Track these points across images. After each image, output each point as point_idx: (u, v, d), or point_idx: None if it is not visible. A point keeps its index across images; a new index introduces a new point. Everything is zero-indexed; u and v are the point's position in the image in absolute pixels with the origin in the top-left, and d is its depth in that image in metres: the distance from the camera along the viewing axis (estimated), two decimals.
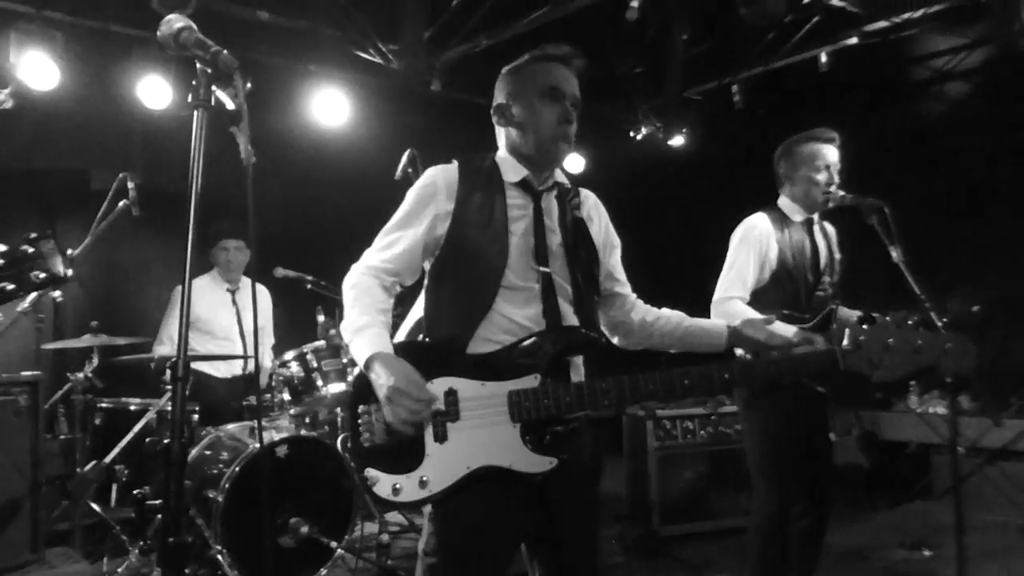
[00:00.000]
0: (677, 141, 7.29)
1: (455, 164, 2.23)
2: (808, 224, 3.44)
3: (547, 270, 2.13)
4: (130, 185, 3.98)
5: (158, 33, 1.38)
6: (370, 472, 1.99)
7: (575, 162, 7.64)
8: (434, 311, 2.20)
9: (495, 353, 2.06)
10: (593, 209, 2.37)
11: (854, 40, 6.34)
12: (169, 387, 3.96)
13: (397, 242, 2.16)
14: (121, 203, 4.14)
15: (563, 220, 2.21)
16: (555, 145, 2.19)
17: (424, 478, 1.96)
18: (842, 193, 3.34)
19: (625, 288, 2.46)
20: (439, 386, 2.00)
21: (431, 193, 2.18)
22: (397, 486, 1.96)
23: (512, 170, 2.23)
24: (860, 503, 5.71)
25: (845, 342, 2.09)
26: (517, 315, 2.10)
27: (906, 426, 6.01)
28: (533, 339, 2.06)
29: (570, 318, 2.15)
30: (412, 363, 1.99)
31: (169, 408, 3.61)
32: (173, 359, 1.11)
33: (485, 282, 2.10)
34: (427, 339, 2.17)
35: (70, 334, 4.73)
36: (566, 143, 2.21)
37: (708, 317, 3.42)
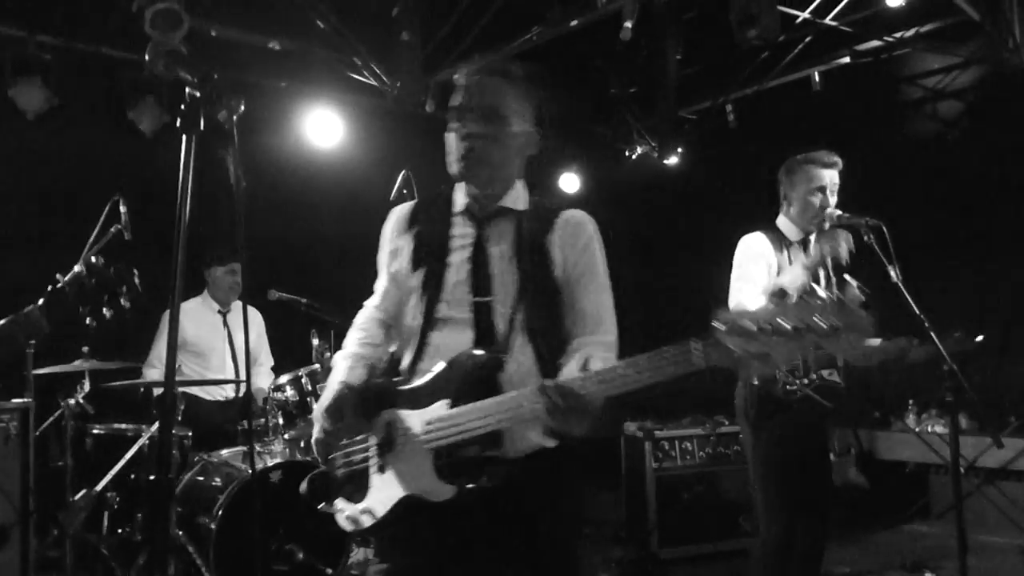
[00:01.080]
0: (672, 160, 7.29)
1: (415, 201, 2.31)
2: (805, 245, 3.44)
3: (484, 299, 2.06)
4: (122, 209, 3.95)
5: (146, 56, 1.36)
6: (337, 502, 2.09)
7: (570, 182, 7.64)
8: (397, 347, 2.23)
9: (424, 384, 2.05)
10: (568, 235, 2.15)
11: (846, 59, 6.37)
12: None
13: (379, 284, 2.29)
14: (113, 227, 4.11)
15: (519, 245, 2.11)
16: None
17: (368, 508, 2.04)
18: (839, 212, 3.34)
19: (580, 328, 2.13)
20: (382, 418, 2.05)
21: (386, 233, 2.26)
22: (351, 515, 2.06)
23: (460, 198, 2.19)
24: (858, 524, 5.67)
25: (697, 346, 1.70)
26: (451, 346, 2.05)
27: (904, 445, 5.98)
28: (444, 367, 2.02)
29: (519, 346, 2.04)
30: (369, 397, 2.07)
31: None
32: (160, 392, 1.08)
33: (421, 316, 2.10)
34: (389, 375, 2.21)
35: (61, 359, 4.67)
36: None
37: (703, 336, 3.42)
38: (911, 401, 6.10)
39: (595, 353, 1.97)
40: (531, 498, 2.00)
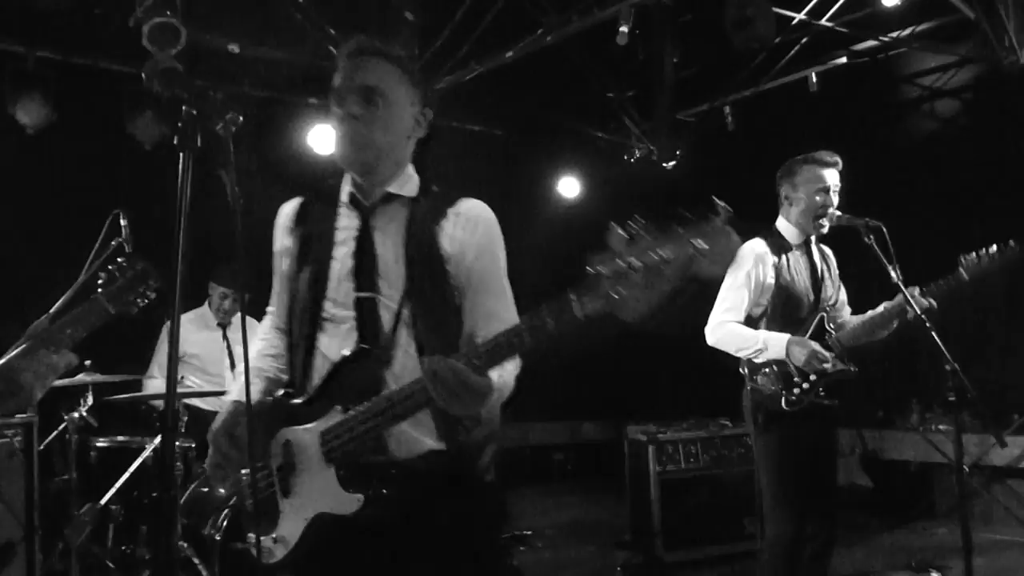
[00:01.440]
0: (671, 163, 7.30)
1: (304, 196, 2.12)
2: (806, 246, 3.43)
3: (368, 295, 1.91)
4: (123, 222, 3.95)
5: (143, 73, 1.37)
6: (250, 536, 1.94)
7: (570, 186, 7.65)
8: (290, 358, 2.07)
9: (315, 393, 1.90)
10: (464, 227, 1.96)
11: (843, 60, 6.38)
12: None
13: (273, 288, 2.14)
14: (114, 240, 4.12)
15: (408, 235, 1.94)
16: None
17: (281, 537, 1.90)
18: (839, 213, 3.34)
19: (483, 330, 1.91)
20: (279, 439, 1.92)
21: (275, 233, 2.11)
22: (265, 548, 1.91)
23: (346, 188, 2.04)
24: (862, 524, 5.66)
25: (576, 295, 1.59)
26: (338, 348, 1.90)
27: (908, 445, 5.98)
28: (331, 371, 1.89)
29: (404, 343, 1.89)
30: (265, 415, 1.94)
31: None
32: (161, 409, 1.09)
33: (307, 318, 1.96)
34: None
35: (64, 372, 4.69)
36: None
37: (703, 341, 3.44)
38: (914, 400, 6.10)
39: None
40: (429, 505, 1.86)
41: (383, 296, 1.90)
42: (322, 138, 5.94)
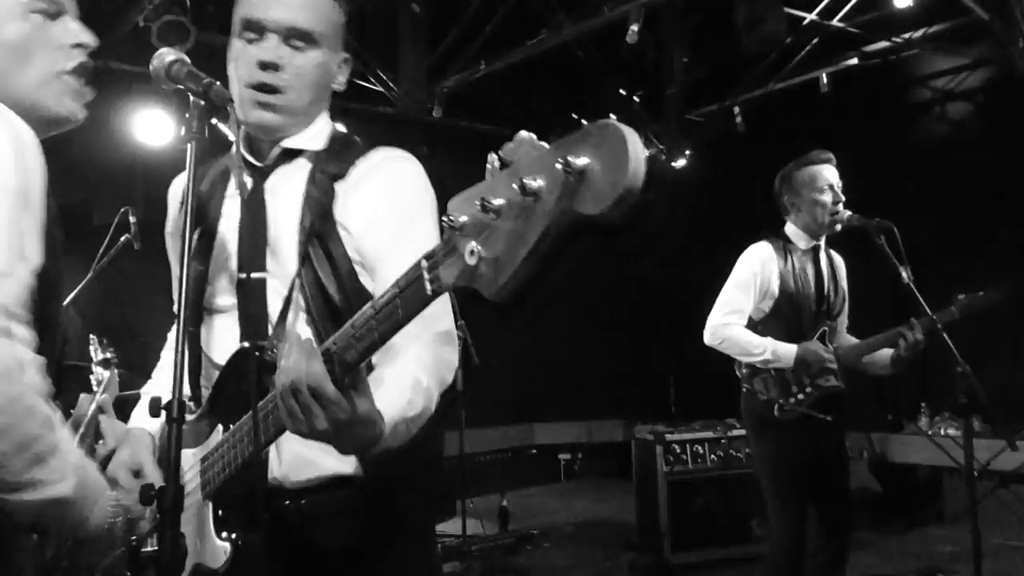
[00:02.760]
0: (680, 163, 7.29)
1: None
2: (814, 251, 3.41)
3: (253, 276, 1.51)
4: (131, 219, 3.97)
5: (150, 67, 1.36)
6: None
7: None
8: None
9: (202, 409, 1.52)
10: (372, 181, 1.53)
11: (854, 61, 6.35)
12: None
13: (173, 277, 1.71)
14: (123, 237, 4.13)
15: (306, 199, 1.52)
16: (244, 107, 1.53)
17: None
18: (849, 214, 3.32)
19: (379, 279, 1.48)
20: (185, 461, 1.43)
21: (169, 210, 1.73)
22: None
23: (238, 142, 1.60)
24: (871, 528, 5.63)
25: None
26: (222, 345, 1.53)
27: (917, 449, 5.94)
28: (216, 378, 1.49)
29: (296, 337, 1.37)
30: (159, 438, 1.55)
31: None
32: (167, 401, 1.08)
33: (192, 311, 1.55)
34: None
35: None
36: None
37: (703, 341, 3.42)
38: (923, 404, 6.06)
39: (422, 357, 1.38)
40: (328, 559, 1.45)
41: (273, 276, 1.51)
42: None
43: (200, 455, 1.45)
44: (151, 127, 5.25)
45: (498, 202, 0.93)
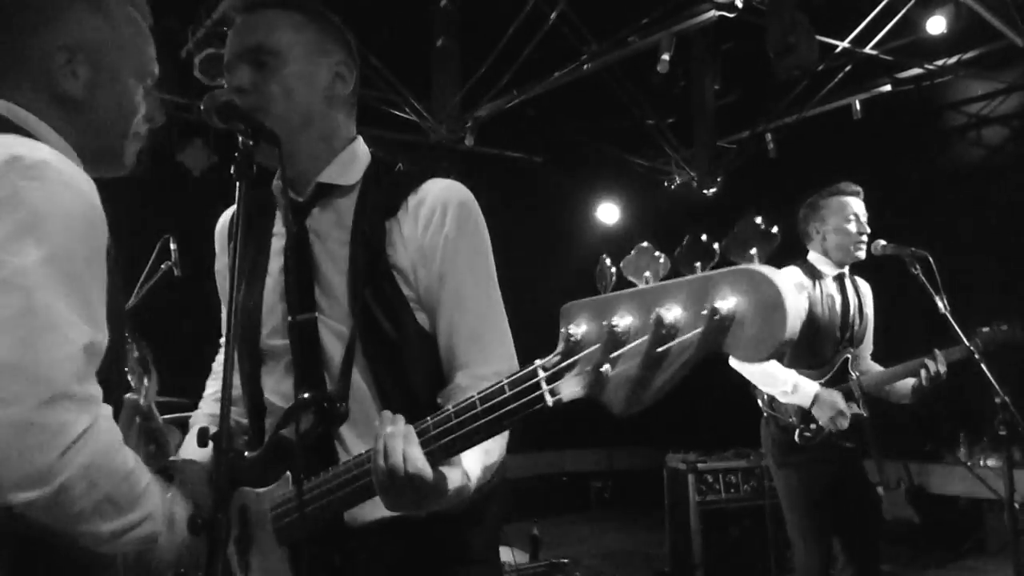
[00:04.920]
0: (712, 190, 7.28)
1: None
2: (840, 279, 3.40)
3: (305, 317, 1.49)
4: (172, 247, 4.05)
5: (202, 107, 1.41)
6: None
7: (609, 212, 7.65)
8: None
9: (264, 450, 1.48)
10: (425, 219, 1.48)
11: (887, 87, 6.33)
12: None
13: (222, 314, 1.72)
14: (163, 264, 4.21)
15: (353, 235, 1.49)
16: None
17: None
18: (883, 243, 3.31)
19: (461, 355, 1.48)
20: (236, 501, 1.49)
21: (216, 249, 1.73)
22: None
23: (276, 180, 1.60)
24: (910, 560, 5.52)
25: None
26: (279, 388, 1.54)
27: (956, 479, 5.83)
28: (279, 423, 1.44)
29: (359, 384, 1.47)
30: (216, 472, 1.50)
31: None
32: (215, 431, 1.11)
33: (245, 352, 1.57)
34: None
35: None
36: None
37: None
38: (962, 433, 5.95)
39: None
40: None
41: (327, 318, 1.49)
42: None
43: (270, 499, 1.45)
44: (191, 156, 5.37)
45: (627, 325, 0.96)
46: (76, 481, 1.08)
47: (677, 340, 0.91)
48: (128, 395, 1.94)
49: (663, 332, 0.92)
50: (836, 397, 3.21)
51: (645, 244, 1.01)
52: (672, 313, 0.91)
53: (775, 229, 0.97)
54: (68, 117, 1.34)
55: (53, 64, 1.30)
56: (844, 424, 3.18)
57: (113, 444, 1.15)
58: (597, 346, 0.98)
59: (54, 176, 1.15)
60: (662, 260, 0.98)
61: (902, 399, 3.35)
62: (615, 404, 0.97)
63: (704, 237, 0.97)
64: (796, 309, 0.85)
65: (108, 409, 1.17)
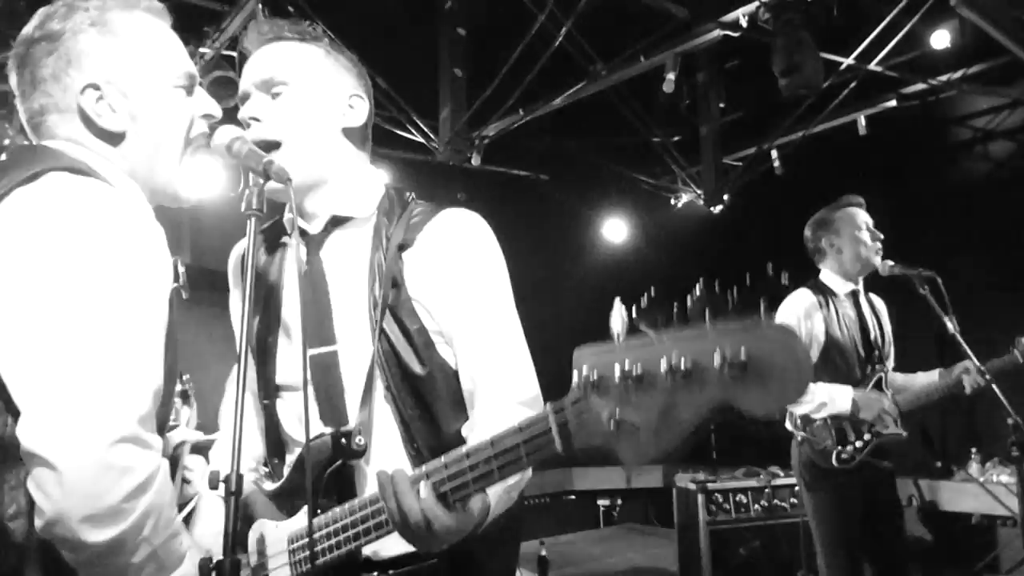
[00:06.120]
0: (718, 208, 7.28)
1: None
2: (854, 296, 3.39)
3: (323, 350, 1.49)
4: (180, 269, 4.06)
5: (211, 143, 1.41)
6: None
7: (616, 230, 7.65)
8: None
9: (284, 483, 1.51)
10: (439, 246, 1.50)
11: (892, 103, 6.33)
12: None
13: None
14: (172, 286, 4.22)
15: (371, 266, 1.50)
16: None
17: None
18: (891, 263, 3.30)
19: (483, 383, 1.48)
20: (255, 529, 1.50)
21: (229, 282, 1.74)
22: None
23: (288, 212, 1.59)
24: None
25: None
26: (293, 426, 1.55)
27: (968, 496, 5.78)
28: (296, 459, 1.49)
29: (380, 417, 1.47)
30: (248, 504, 1.53)
31: None
32: (226, 475, 1.10)
33: (262, 386, 1.60)
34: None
35: None
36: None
37: None
38: (973, 449, 5.91)
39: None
40: None
41: (343, 350, 1.50)
42: None
43: (288, 530, 1.45)
44: (198, 180, 5.39)
45: (640, 374, 0.95)
46: (132, 531, 1.05)
47: (690, 392, 0.91)
48: (171, 431, 1.94)
49: (676, 383, 0.92)
50: (873, 394, 3.20)
51: (655, 295, 0.99)
52: (687, 363, 0.91)
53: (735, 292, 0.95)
54: (122, 151, 1.34)
55: (87, 104, 1.30)
56: (890, 421, 3.17)
57: (168, 499, 1.14)
58: (609, 395, 0.98)
59: (125, 216, 1.18)
60: (674, 310, 0.96)
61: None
62: (626, 455, 0.98)
63: (716, 285, 0.94)
64: (809, 365, 0.86)
65: (166, 464, 1.16)
